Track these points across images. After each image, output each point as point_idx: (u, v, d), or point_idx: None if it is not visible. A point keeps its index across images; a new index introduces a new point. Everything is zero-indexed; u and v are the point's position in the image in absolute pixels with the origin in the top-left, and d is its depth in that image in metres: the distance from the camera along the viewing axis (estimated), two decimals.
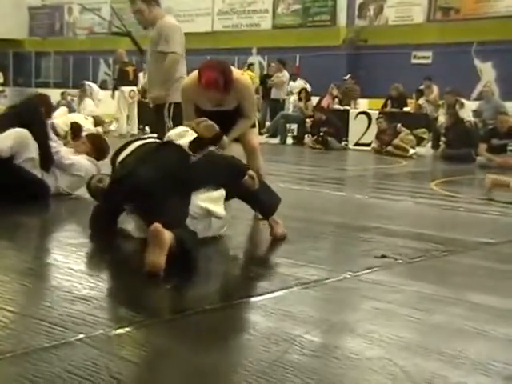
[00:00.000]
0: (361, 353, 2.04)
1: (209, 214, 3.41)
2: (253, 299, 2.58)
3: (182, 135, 3.51)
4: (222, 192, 3.44)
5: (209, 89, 3.85)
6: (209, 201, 3.39)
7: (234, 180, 3.49)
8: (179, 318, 2.35)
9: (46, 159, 4.87)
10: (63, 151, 5.04)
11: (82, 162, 5.05)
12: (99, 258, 3.35)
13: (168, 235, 2.86)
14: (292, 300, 2.61)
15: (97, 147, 5.20)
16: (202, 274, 3.08)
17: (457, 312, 2.52)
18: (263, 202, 3.68)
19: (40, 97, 5.78)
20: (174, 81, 4.82)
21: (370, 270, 3.06)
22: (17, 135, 4.74)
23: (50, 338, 2.06)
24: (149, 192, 3.25)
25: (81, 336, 2.08)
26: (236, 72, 4.10)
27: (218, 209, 3.42)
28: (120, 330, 2.17)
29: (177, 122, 4.30)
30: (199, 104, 4.04)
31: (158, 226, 2.83)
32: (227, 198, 3.50)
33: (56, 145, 5.05)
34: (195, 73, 4.01)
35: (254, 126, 4.33)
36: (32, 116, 4.97)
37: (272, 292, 2.65)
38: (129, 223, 3.44)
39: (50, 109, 5.61)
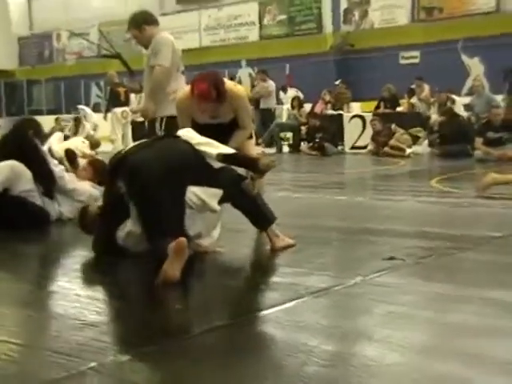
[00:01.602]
0: (379, 359, 1.99)
1: (204, 206, 3.38)
2: (264, 312, 2.53)
3: (203, 143, 3.53)
4: (219, 191, 3.42)
5: (202, 100, 3.83)
6: (205, 193, 3.38)
7: (234, 184, 3.48)
8: (191, 337, 2.30)
9: (47, 183, 4.84)
10: (67, 177, 5.01)
11: (85, 187, 5.03)
12: (105, 281, 3.29)
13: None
14: (304, 310, 2.56)
15: (99, 172, 5.17)
16: (210, 289, 3.03)
17: (472, 310, 2.47)
18: (260, 213, 3.62)
19: (26, 121, 5.71)
20: (166, 95, 4.79)
21: (380, 273, 3.01)
22: (6, 170, 4.68)
23: (60, 369, 2.00)
24: (146, 175, 3.25)
25: (92, 364, 2.02)
26: (229, 83, 4.07)
27: (213, 204, 3.39)
28: (132, 355, 2.11)
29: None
30: (195, 117, 4.02)
31: (182, 241, 2.93)
32: (221, 201, 3.47)
33: (59, 170, 5.03)
34: (188, 87, 4.00)
35: (250, 137, 4.30)
36: (21, 143, 4.93)
37: (283, 303, 2.60)
38: (127, 237, 3.41)
39: (40, 131, 5.53)
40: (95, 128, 12.64)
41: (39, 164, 4.86)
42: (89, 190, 5.01)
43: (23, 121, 5.75)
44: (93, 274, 3.42)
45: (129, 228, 3.40)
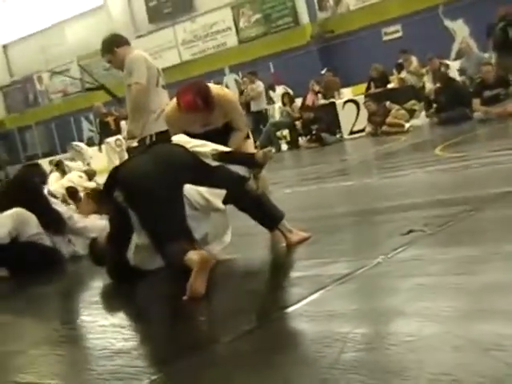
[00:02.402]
0: (417, 333, 1.93)
1: (209, 205, 3.34)
2: (291, 308, 2.46)
3: (198, 145, 3.50)
4: (222, 191, 3.39)
5: (190, 112, 3.78)
6: (209, 192, 3.35)
7: (237, 184, 3.44)
8: (222, 346, 2.24)
9: (57, 226, 4.83)
10: (76, 216, 4.99)
11: (95, 222, 5.00)
12: (126, 307, 3.24)
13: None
14: (331, 298, 2.50)
15: (100, 201, 5.13)
16: (233, 295, 2.97)
17: (501, 267, 2.40)
18: (266, 212, 3.57)
19: (30, 168, 5.71)
20: (150, 112, 4.72)
21: (402, 249, 2.95)
22: (11, 219, 4.67)
23: None
24: (142, 178, 3.25)
25: None
26: (215, 87, 4.02)
27: (218, 202, 3.36)
28: (166, 374, 2.06)
29: None
30: (187, 129, 3.97)
31: (206, 254, 2.91)
32: (224, 202, 3.44)
33: (66, 210, 5.01)
34: (174, 101, 3.94)
35: (248, 137, 4.25)
36: (27, 190, 4.93)
37: (309, 296, 2.53)
38: (137, 254, 3.38)
39: (44, 176, 5.55)
40: (89, 162, 12.60)
41: (47, 209, 4.85)
42: (99, 225, 4.97)
43: (27, 167, 5.75)
44: (113, 302, 3.38)
45: (135, 242, 3.37)
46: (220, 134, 3.95)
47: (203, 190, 3.35)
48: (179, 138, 3.64)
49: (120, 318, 3.05)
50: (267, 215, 3.57)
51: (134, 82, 4.72)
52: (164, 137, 4.29)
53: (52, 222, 4.82)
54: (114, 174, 3.44)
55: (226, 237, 3.54)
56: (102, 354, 2.40)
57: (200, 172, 3.40)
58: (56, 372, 2.42)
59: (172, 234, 3.13)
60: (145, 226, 3.29)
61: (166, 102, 4.77)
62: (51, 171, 12.85)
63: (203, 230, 3.39)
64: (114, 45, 4.84)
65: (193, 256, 2.90)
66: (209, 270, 2.89)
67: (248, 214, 3.56)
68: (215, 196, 3.38)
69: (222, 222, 3.50)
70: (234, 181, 3.46)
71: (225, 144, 3.91)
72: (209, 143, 3.56)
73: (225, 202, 3.43)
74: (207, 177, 3.39)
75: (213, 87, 3.97)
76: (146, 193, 3.23)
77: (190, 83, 3.98)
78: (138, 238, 3.35)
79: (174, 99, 3.96)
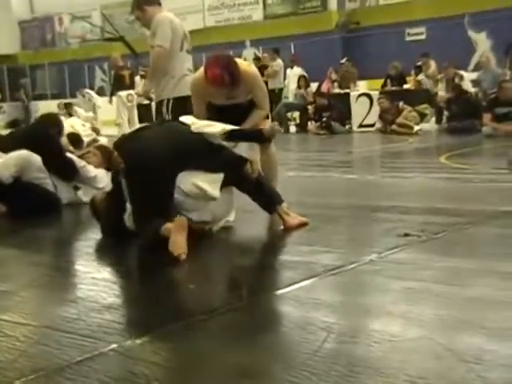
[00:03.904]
0: (401, 334, 1.99)
1: (205, 195, 3.39)
2: (282, 291, 2.52)
3: (205, 125, 3.54)
4: (220, 175, 3.42)
5: (215, 86, 3.80)
6: (204, 181, 3.38)
7: (236, 167, 3.48)
8: (210, 317, 2.30)
9: (69, 174, 4.91)
10: (89, 166, 5.06)
11: (102, 174, 5.07)
12: (120, 264, 3.30)
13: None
14: (322, 287, 2.56)
15: (107, 159, 5.18)
16: (227, 269, 3.04)
17: (491, 283, 2.46)
18: (265, 195, 3.62)
19: (48, 118, 5.71)
20: (170, 76, 4.74)
21: (396, 250, 3.01)
22: (17, 161, 4.70)
23: (82, 351, 2.01)
24: (142, 158, 3.31)
25: (113, 346, 2.03)
26: (242, 64, 4.01)
27: (213, 190, 3.40)
28: (152, 336, 2.12)
29: (175, 117, 4.24)
30: (211, 99, 3.98)
31: (180, 218, 3.02)
32: (224, 184, 3.48)
33: (79, 160, 5.06)
34: (202, 70, 3.94)
35: (267, 117, 4.26)
36: (43, 139, 4.98)
37: (300, 281, 2.59)
38: (129, 219, 3.45)
39: (61, 126, 5.57)
40: (95, 110, 12.54)
41: (61, 161, 4.92)
42: (105, 177, 5.04)
43: (45, 117, 5.75)
44: (107, 256, 3.43)
45: (129, 209, 3.43)
46: (243, 109, 3.96)
47: (197, 180, 3.36)
48: (186, 120, 3.67)
49: (113, 274, 3.11)
50: (266, 198, 3.62)
51: (156, 44, 4.72)
52: (181, 103, 4.31)
53: (66, 172, 4.89)
54: (119, 146, 3.52)
55: (230, 217, 3.59)
56: (92, 306, 2.45)
57: (202, 156, 3.43)
58: (43, 315, 2.48)
59: (153, 214, 3.19)
60: (132, 202, 3.36)
61: (188, 68, 4.77)
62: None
63: (203, 213, 3.43)
64: (144, 3, 4.83)
65: (168, 225, 3.02)
66: (185, 234, 2.99)
67: (248, 196, 3.61)
68: (211, 184, 3.40)
69: (227, 204, 3.56)
70: (234, 164, 3.50)
71: (244, 119, 3.94)
72: (215, 123, 3.58)
73: (225, 184, 3.47)
74: (208, 161, 3.43)
75: (240, 63, 3.97)
76: (141, 172, 3.30)
77: (220, 57, 3.96)
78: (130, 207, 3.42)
79: (202, 68, 3.96)
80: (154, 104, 5.14)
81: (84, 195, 4.95)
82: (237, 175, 3.50)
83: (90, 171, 5.03)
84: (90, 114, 11.98)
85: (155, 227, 3.09)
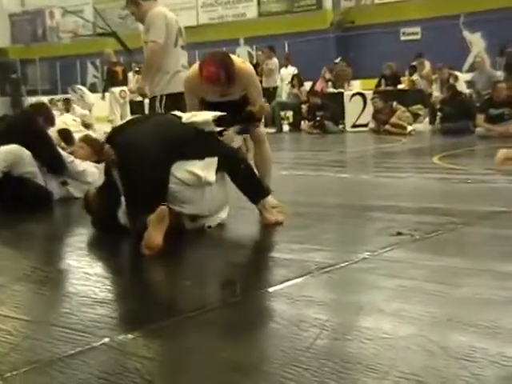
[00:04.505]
0: (393, 332, 2.00)
1: (200, 181, 3.38)
2: (275, 288, 2.52)
3: (196, 115, 3.55)
4: (214, 159, 3.42)
5: (211, 84, 3.79)
6: (199, 167, 3.38)
7: (227, 154, 3.51)
8: (203, 313, 2.29)
9: (57, 167, 4.86)
10: (77, 161, 5.02)
11: (91, 168, 5.04)
12: (112, 259, 3.29)
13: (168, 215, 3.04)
14: (314, 285, 2.56)
15: (96, 150, 5.14)
16: (219, 266, 3.03)
17: (483, 282, 2.47)
18: (252, 185, 3.62)
19: (36, 107, 5.66)
20: (164, 72, 4.72)
21: (388, 249, 3.01)
22: (7, 156, 4.67)
23: (74, 345, 2.00)
24: (133, 151, 3.31)
25: (105, 340, 2.03)
26: (237, 61, 4.01)
27: (208, 174, 3.39)
28: (144, 331, 2.12)
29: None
30: (204, 96, 3.97)
31: (163, 209, 3.02)
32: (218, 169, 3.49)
33: (67, 154, 5.02)
34: (196, 66, 3.93)
35: None
36: (29, 128, 4.91)
37: (293, 279, 2.59)
38: (124, 215, 3.44)
39: (50, 116, 5.50)
40: (90, 109, 12.51)
41: (48, 151, 4.86)
42: (94, 171, 5.01)
43: (32, 106, 5.70)
44: (100, 251, 3.42)
45: (124, 205, 3.43)
46: (235, 106, 3.96)
47: (191, 166, 3.36)
48: (177, 112, 3.68)
49: (105, 268, 3.10)
50: (252, 189, 3.61)
51: (150, 39, 4.69)
52: (175, 99, 4.30)
53: (53, 164, 4.84)
54: (112, 138, 3.51)
55: (223, 213, 3.59)
56: (84, 301, 2.44)
57: (194, 147, 3.43)
58: (34, 309, 2.47)
59: (145, 206, 3.19)
60: (124, 195, 3.36)
61: (182, 64, 4.75)
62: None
63: (197, 206, 3.43)
64: None
65: (151, 216, 3.03)
66: (165, 225, 3.00)
67: (235, 184, 3.60)
68: (206, 169, 3.40)
69: (220, 198, 3.55)
70: (227, 151, 3.50)
71: (236, 116, 3.93)
72: (205, 112, 3.60)
73: (218, 169, 3.48)
74: (201, 150, 3.43)
75: (235, 60, 3.96)
76: (133, 163, 3.30)
77: (216, 54, 3.95)
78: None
79: (196, 65, 3.95)
80: (147, 100, 5.12)
81: (74, 190, 4.93)
82: (228, 162, 3.49)
83: (78, 165, 4.99)
84: (87, 112, 11.94)
85: (144, 220, 3.09)
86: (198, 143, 3.45)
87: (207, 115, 3.53)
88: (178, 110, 3.88)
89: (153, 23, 4.69)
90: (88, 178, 4.94)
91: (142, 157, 3.30)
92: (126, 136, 3.45)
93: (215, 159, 3.42)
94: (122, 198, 3.41)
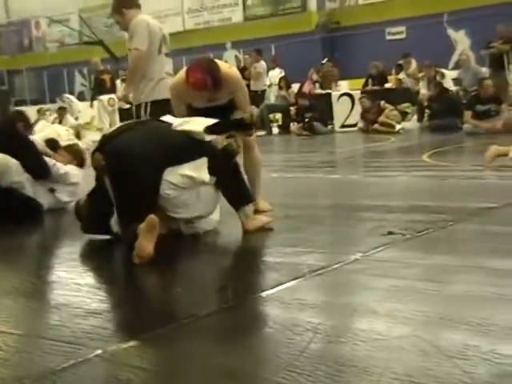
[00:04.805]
0: (387, 333, 1.99)
1: (194, 181, 3.37)
2: (267, 292, 2.52)
3: (187, 121, 3.56)
4: (203, 159, 3.41)
5: (197, 90, 3.79)
6: (190, 169, 3.38)
7: (216, 158, 3.48)
8: (196, 320, 2.28)
9: (41, 174, 4.84)
10: (58, 164, 5.01)
11: (73, 170, 5.04)
12: (103, 269, 3.27)
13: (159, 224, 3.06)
14: (307, 288, 2.56)
15: (75, 156, 5.17)
16: (211, 271, 3.02)
17: (475, 279, 2.48)
18: (237, 191, 3.59)
19: (15, 114, 5.67)
20: (148, 79, 4.71)
21: (380, 249, 3.01)
22: None
23: (66, 358, 1.98)
24: (125, 158, 3.31)
25: (98, 352, 2.01)
26: (224, 66, 4.00)
27: (201, 174, 3.39)
28: (137, 341, 2.10)
29: None
30: (191, 102, 3.97)
31: (153, 218, 3.04)
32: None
33: (49, 159, 5.02)
34: (182, 73, 3.92)
35: None
36: (11, 136, 4.90)
37: (285, 282, 2.59)
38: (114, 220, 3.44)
39: (29, 124, 5.50)
40: (77, 117, 12.49)
41: (31, 156, 4.84)
42: (77, 172, 5.04)
43: (12, 114, 5.71)
44: (90, 261, 3.40)
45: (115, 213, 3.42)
46: (222, 110, 3.95)
47: (183, 170, 3.36)
48: (167, 118, 3.67)
49: (96, 279, 3.08)
50: (235, 195, 3.59)
51: (134, 47, 4.68)
52: (159, 106, 4.29)
53: (37, 172, 4.82)
54: (102, 145, 3.50)
55: (216, 214, 3.59)
56: (76, 312, 2.42)
57: (185, 152, 3.43)
58: (26, 323, 2.45)
59: (136, 213, 3.19)
60: (116, 203, 3.35)
61: (167, 71, 4.74)
62: (37, 120, 12.75)
63: (192, 210, 3.42)
64: (123, 6, 4.79)
65: (141, 226, 3.04)
66: (156, 234, 3.02)
67: (220, 187, 3.57)
68: (198, 169, 3.39)
69: (212, 202, 3.54)
70: (216, 154, 3.49)
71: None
72: (195, 119, 3.58)
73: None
74: (191, 155, 3.43)
75: (222, 65, 3.96)
76: (124, 170, 3.29)
77: (202, 61, 3.95)
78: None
79: (182, 71, 3.94)
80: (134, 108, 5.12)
81: (61, 195, 4.94)
82: (216, 163, 3.47)
83: (60, 168, 4.99)
84: (79, 122, 11.94)
85: (134, 229, 3.08)
86: (187, 148, 3.44)
87: (199, 124, 3.51)
88: (160, 116, 3.84)
89: (136, 31, 4.69)
90: (72, 179, 4.96)
91: (132, 164, 3.29)
92: (116, 143, 3.44)
93: (205, 159, 3.41)
94: (114, 207, 3.40)
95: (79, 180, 4.94)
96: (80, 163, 5.14)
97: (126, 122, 3.70)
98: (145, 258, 2.96)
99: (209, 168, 3.42)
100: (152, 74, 4.70)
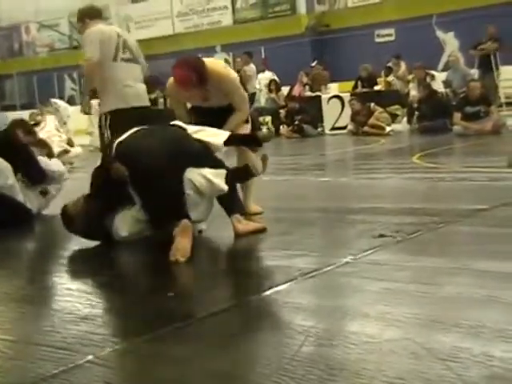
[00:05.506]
0: (378, 335, 2.00)
1: (212, 186, 3.40)
2: (259, 296, 2.52)
3: (204, 130, 3.60)
4: (222, 170, 3.47)
5: (182, 87, 3.78)
6: (212, 174, 3.41)
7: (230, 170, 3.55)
8: (188, 324, 2.28)
9: (38, 178, 4.91)
10: (43, 159, 5.07)
11: (56, 162, 5.20)
12: (95, 274, 3.25)
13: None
14: (299, 291, 2.56)
15: (44, 146, 5.30)
16: (202, 275, 3.02)
17: (466, 281, 2.49)
18: (232, 199, 3.63)
19: (15, 122, 5.67)
20: (105, 90, 4.44)
21: (371, 251, 3.02)
22: None
23: (57, 364, 1.97)
24: (148, 164, 3.31)
25: (90, 357, 2.00)
26: (218, 65, 3.98)
27: (221, 182, 3.43)
28: (129, 345, 2.10)
29: (114, 131, 4.09)
30: (188, 102, 3.99)
31: (186, 222, 3.15)
32: None
33: (42, 159, 5.08)
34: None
35: (247, 121, 4.23)
36: (8, 142, 4.91)
37: (277, 286, 2.59)
38: (122, 224, 3.43)
39: (29, 130, 5.49)
40: (65, 122, 12.40)
41: (31, 164, 4.88)
42: (58, 162, 5.21)
43: (12, 121, 5.71)
44: (82, 267, 3.39)
45: (131, 214, 3.42)
46: (223, 113, 3.94)
47: (204, 171, 3.38)
48: (180, 124, 3.68)
49: (88, 284, 3.06)
50: (230, 204, 3.62)
51: (84, 58, 4.51)
52: (119, 116, 4.21)
53: (36, 175, 4.87)
54: (120, 150, 3.46)
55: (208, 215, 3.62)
56: (68, 318, 2.42)
57: (204, 159, 3.46)
58: (17, 329, 2.44)
59: (173, 218, 3.23)
60: (147, 210, 3.36)
61: (132, 77, 4.49)
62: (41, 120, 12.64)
63: (200, 213, 3.46)
64: (86, 16, 4.71)
65: (176, 228, 3.14)
66: (190, 237, 3.11)
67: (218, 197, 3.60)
68: (217, 177, 3.42)
69: (210, 208, 3.57)
70: (232, 173, 3.54)
71: (224, 122, 3.93)
72: (208, 129, 3.58)
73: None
74: (208, 161, 3.45)
75: (216, 64, 3.94)
76: (151, 183, 3.28)
77: (186, 58, 3.97)
78: (136, 212, 3.40)
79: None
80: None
81: (52, 189, 5.00)
82: (231, 180, 3.52)
83: (50, 164, 5.06)
84: (67, 127, 11.86)
85: (170, 230, 3.19)
86: (206, 155, 3.49)
87: (214, 136, 3.52)
88: (124, 127, 3.69)
89: (86, 42, 4.54)
90: (54, 168, 5.06)
91: (157, 170, 3.27)
92: (135, 152, 3.39)
93: (224, 171, 3.45)
94: (117, 214, 3.41)
95: (61, 169, 5.06)
96: (49, 154, 5.28)
97: (138, 128, 3.62)
98: (184, 257, 3.04)
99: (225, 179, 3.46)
100: (110, 84, 4.44)
